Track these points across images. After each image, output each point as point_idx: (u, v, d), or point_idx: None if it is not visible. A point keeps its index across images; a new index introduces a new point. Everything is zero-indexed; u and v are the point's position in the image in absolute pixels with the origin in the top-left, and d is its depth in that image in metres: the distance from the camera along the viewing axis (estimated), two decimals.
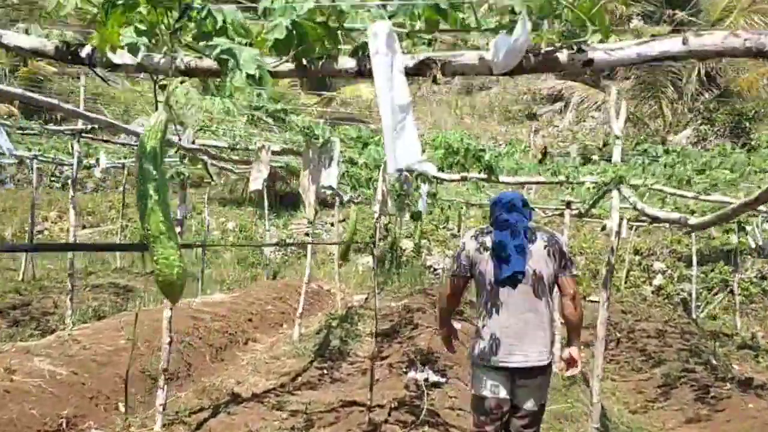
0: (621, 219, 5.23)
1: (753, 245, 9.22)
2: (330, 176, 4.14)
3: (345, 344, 8.77)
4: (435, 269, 16.44)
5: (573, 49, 1.67)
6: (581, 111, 26.89)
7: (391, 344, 8.68)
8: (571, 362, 3.91)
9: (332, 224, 18.95)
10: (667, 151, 4.22)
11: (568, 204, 7.94)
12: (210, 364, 7.82)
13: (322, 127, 4.17)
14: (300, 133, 4.25)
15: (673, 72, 20.49)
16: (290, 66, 1.77)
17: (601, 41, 1.67)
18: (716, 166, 4.14)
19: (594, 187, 4.74)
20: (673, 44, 1.60)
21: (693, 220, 2.72)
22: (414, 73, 1.76)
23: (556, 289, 3.82)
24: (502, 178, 4.77)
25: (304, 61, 1.75)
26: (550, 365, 3.72)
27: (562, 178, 4.67)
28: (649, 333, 10.62)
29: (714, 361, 8.91)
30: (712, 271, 14.33)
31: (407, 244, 17.01)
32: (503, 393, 3.69)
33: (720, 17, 19.61)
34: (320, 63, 1.77)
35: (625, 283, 14.84)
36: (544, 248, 3.72)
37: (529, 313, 3.64)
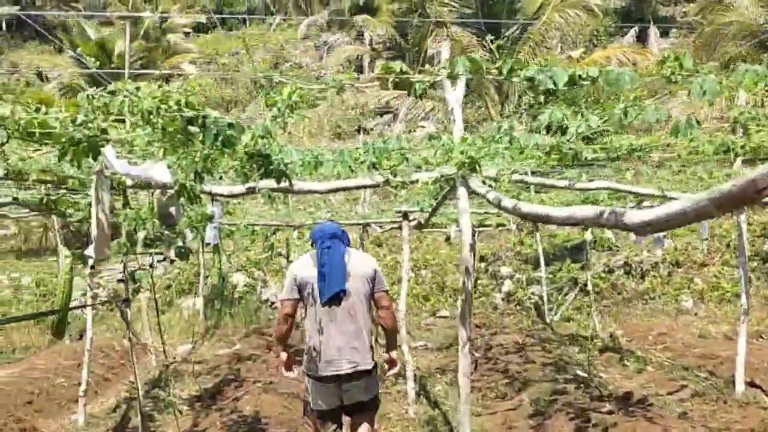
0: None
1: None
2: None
3: (151, 420, 6.92)
4: (272, 303, 14.74)
5: None
6: (410, 121, 26.40)
7: (211, 410, 6.96)
8: (391, 363, 4.57)
9: (151, 265, 16.74)
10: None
11: (405, 215, 6.66)
12: None
13: None
14: None
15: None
16: None
17: None
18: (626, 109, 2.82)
19: (433, 182, 3.34)
20: None
21: (634, 215, 1.43)
22: None
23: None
24: (302, 185, 3.37)
25: None
26: (374, 368, 4.31)
27: (383, 176, 3.28)
28: (507, 348, 9.63)
29: (581, 373, 8.00)
30: (560, 270, 13.79)
31: (240, 278, 15.20)
32: (335, 401, 4.21)
33: (536, 15, 19.63)
34: None
35: (474, 293, 13.96)
36: (361, 269, 4.29)
37: (351, 326, 4.19)
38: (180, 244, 3.67)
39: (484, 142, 3.00)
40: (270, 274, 15.45)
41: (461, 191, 3.13)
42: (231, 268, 15.29)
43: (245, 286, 15.02)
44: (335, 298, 4.13)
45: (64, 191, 3.66)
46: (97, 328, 13.47)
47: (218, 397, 7.52)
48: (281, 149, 2.65)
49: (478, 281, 14.21)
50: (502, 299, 13.76)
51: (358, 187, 3.91)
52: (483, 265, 14.55)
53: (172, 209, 3.49)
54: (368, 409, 4.38)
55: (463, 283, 3.43)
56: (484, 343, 9.99)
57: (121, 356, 11.06)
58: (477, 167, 2.86)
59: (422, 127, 27.39)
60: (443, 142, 3.15)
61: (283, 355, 4.39)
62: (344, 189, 3.71)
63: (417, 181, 3.43)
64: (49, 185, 3.50)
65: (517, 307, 13.35)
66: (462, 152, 2.75)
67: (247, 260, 15.47)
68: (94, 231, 2.70)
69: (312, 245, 4.56)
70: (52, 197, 3.52)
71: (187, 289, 15.09)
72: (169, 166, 2.74)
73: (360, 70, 30.41)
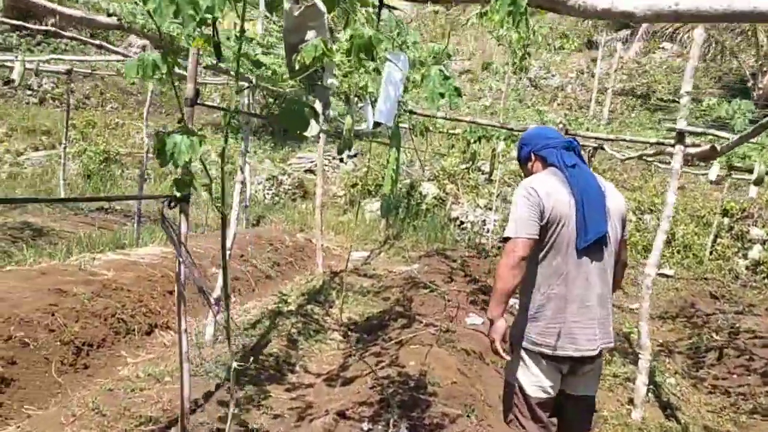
0: None
1: None
2: None
3: (294, 347, 5.52)
4: (462, 223, 13.03)
5: None
6: (650, 40, 22.82)
7: (368, 350, 5.42)
8: None
9: (342, 160, 15.65)
10: None
11: (681, 136, 4.45)
12: (55, 378, 4.72)
13: None
14: None
15: None
16: None
17: None
18: None
19: None
20: None
21: None
22: None
23: None
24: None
25: None
26: None
27: None
28: (763, 337, 7.16)
29: None
30: None
31: (429, 189, 13.60)
32: (556, 389, 2.97)
33: None
34: None
35: (711, 253, 11.26)
36: (615, 204, 2.99)
37: (605, 284, 2.93)
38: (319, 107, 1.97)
39: None
40: (464, 189, 13.67)
41: None
42: (422, 176, 13.72)
43: (434, 198, 13.40)
44: (596, 244, 2.83)
45: None
46: (276, 216, 12.64)
47: (380, 332, 5.98)
48: None
49: (718, 239, 11.47)
50: (747, 267, 10.96)
51: None
52: (726, 221, 11.72)
53: (311, 33, 1.71)
54: (592, 410, 3.17)
55: None
56: (728, 325, 7.57)
57: (290, 253, 9.97)
58: None
59: (663, 48, 23.67)
60: None
61: (502, 324, 2.89)
62: None
63: None
64: None
65: (765, 281, 10.54)
66: None
67: (441, 170, 13.79)
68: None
69: (528, 159, 3.17)
70: None
71: (374, 190, 13.80)
72: None
73: None
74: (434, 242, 11.88)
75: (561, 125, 5.59)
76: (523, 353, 2.97)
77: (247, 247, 8.94)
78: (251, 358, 4.85)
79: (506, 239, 2.84)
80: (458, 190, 13.61)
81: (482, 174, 13.38)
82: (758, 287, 10.23)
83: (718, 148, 4.01)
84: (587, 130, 5.66)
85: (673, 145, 4.56)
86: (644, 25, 21.67)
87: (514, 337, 3.01)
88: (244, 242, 9.12)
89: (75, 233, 8.98)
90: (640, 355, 4.66)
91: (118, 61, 10.04)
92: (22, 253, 6.89)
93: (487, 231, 12.62)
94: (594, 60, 22.85)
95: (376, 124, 2.54)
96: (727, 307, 8.45)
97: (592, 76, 22.84)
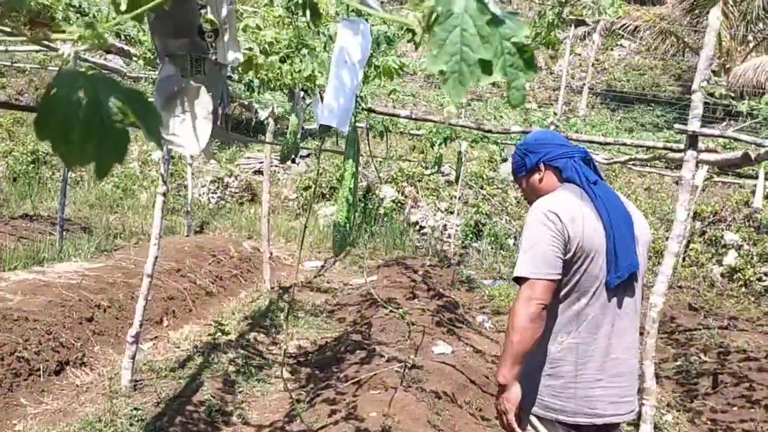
0: None
1: None
2: None
3: (231, 390, 4.63)
4: (421, 228, 12.25)
5: None
6: (609, 38, 22.44)
7: (319, 394, 4.55)
8: None
9: (293, 160, 14.70)
10: None
11: (693, 140, 3.70)
12: None
13: None
14: None
15: None
16: None
17: None
18: None
19: None
20: None
21: None
22: None
23: None
24: None
25: None
26: None
27: None
28: (756, 358, 6.52)
29: None
30: None
31: (388, 192, 12.77)
32: None
33: None
34: None
35: (683, 260, 10.70)
36: (643, 228, 2.39)
37: (635, 330, 2.33)
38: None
39: None
40: (423, 192, 12.88)
41: None
42: (380, 180, 12.89)
43: (393, 201, 12.58)
44: (626, 280, 2.22)
45: None
46: (221, 222, 11.63)
47: (335, 368, 5.12)
48: None
49: (690, 245, 10.91)
50: (722, 275, 10.42)
51: None
52: (699, 225, 11.17)
53: None
54: None
55: None
56: (716, 344, 6.93)
57: (235, 264, 9.02)
58: None
59: (621, 45, 23.30)
60: None
61: (517, 391, 2.21)
62: None
63: None
64: None
65: (742, 290, 10.00)
66: None
67: (399, 171, 12.97)
68: None
69: (534, 169, 2.42)
70: None
71: (327, 193, 12.91)
72: None
73: None
74: (393, 249, 11.07)
75: (553, 127, 4.83)
76: (534, 421, 2.27)
77: (185, 259, 7.99)
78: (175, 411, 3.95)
79: (519, 279, 2.18)
80: (417, 192, 12.81)
81: (442, 176, 12.61)
82: (736, 296, 9.69)
83: (753, 155, 3.29)
84: (576, 132, 4.92)
85: (682, 150, 3.82)
86: (602, 22, 21.19)
87: (537, 404, 2.29)
88: (182, 254, 8.17)
89: None
90: (644, 401, 3.90)
91: (38, 51, 9.01)
92: None
93: (449, 236, 11.87)
94: (552, 57, 22.38)
95: (324, 128, 1.73)
96: (710, 322, 7.83)
97: (551, 73, 22.41)
